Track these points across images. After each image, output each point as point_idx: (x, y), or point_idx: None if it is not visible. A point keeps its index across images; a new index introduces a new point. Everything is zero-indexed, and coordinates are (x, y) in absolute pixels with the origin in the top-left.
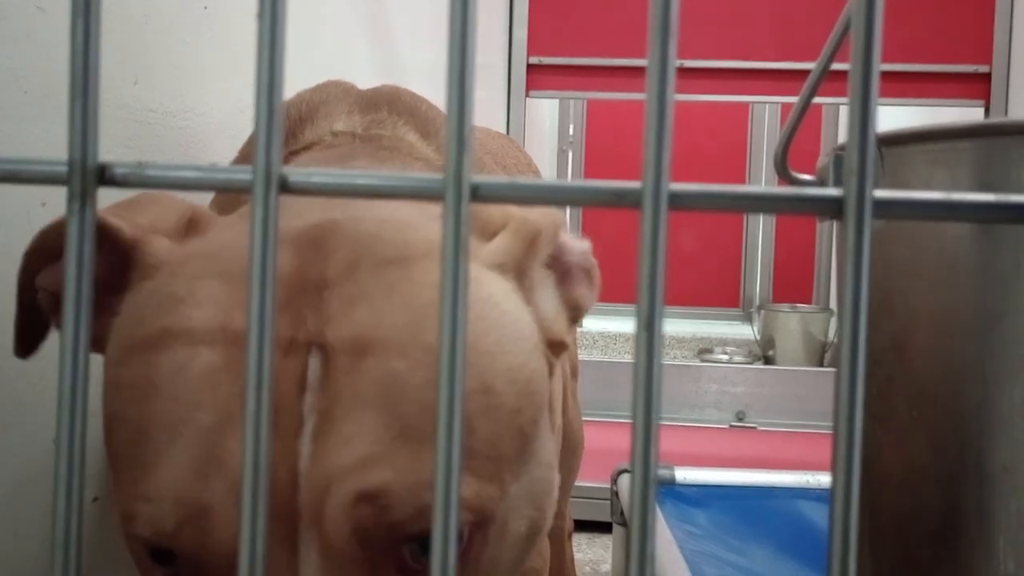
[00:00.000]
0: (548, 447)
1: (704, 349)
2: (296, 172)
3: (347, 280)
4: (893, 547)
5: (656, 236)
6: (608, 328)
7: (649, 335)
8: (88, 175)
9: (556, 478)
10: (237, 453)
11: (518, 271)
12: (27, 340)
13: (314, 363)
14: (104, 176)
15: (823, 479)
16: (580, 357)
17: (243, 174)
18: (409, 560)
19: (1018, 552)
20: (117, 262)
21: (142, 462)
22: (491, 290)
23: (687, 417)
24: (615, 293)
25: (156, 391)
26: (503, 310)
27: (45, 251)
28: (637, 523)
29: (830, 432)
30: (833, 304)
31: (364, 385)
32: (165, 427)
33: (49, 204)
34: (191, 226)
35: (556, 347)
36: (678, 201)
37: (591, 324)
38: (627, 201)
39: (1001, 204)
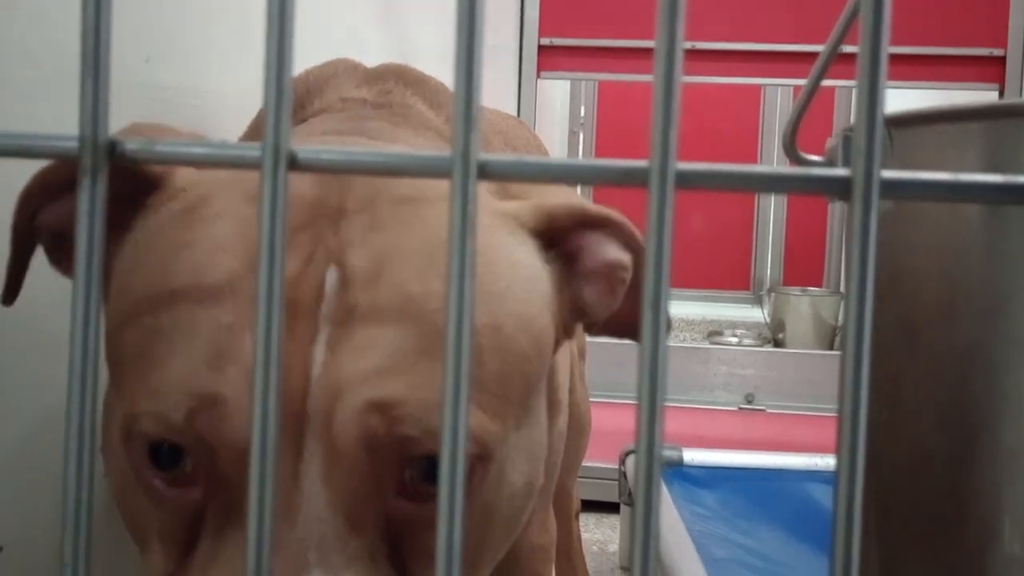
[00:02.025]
0: (544, 413)
1: (714, 332)
2: (305, 149)
3: (364, 211)
4: (900, 529)
5: (663, 215)
6: None
7: (655, 314)
8: (99, 151)
9: (546, 449)
10: (253, 348)
11: (536, 234)
12: (15, 284)
13: (331, 275)
14: (115, 152)
15: (832, 461)
16: (588, 338)
17: (252, 151)
18: (410, 484)
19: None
20: (124, 193)
21: (153, 360)
22: (505, 240)
23: (696, 399)
24: None
25: (172, 295)
26: (516, 259)
27: (46, 189)
28: (642, 497)
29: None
30: (844, 288)
31: (381, 301)
32: (180, 326)
33: None
34: None
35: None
36: (685, 180)
37: None
38: (634, 180)
39: (1009, 185)
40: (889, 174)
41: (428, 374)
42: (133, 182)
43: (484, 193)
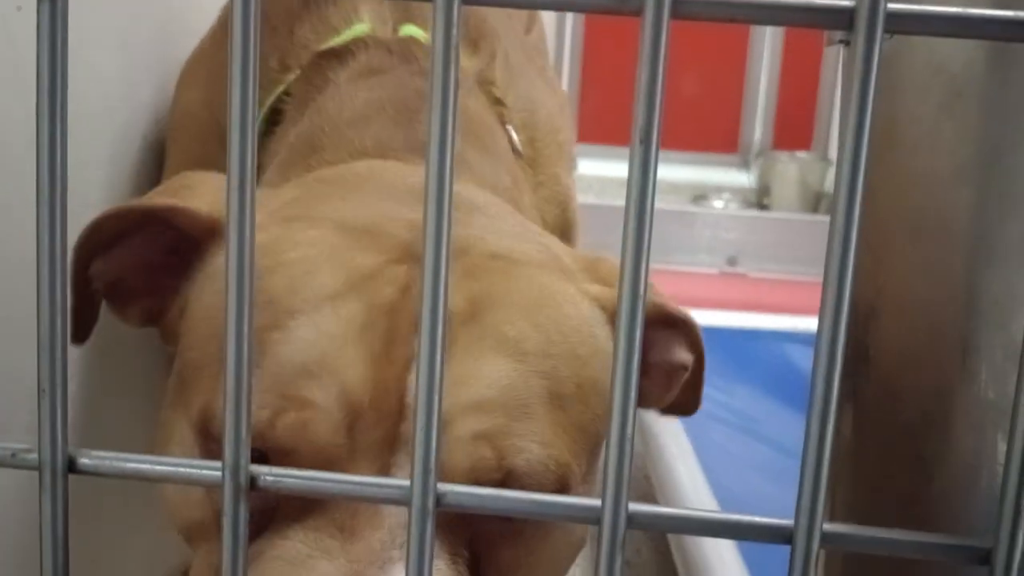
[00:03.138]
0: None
1: (699, 196)
2: None
3: (457, 259)
4: (875, 375)
5: (657, 46)
6: (603, 172)
7: (645, 149)
8: None
9: None
10: (353, 364)
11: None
12: (82, 327)
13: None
14: None
15: (810, 323)
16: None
17: None
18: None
19: (999, 381)
20: (176, 244)
21: None
22: (589, 314)
23: (678, 261)
24: (611, 135)
25: (268, 304)
26: (596, 333)
27: (96, 241)
28: (623, 352)
29: (821, 279)
30: (831, 154)
31: (479, 336)
32: (276, 331)
33: (25, 8)
34: None
35: None
36: (682, 8)
37: (585, 168)
38: (628, 7)
39: (1020, 21)
40: (895, 6)
41: (528, 410)
42: (171, 242)
43: (576, 272)
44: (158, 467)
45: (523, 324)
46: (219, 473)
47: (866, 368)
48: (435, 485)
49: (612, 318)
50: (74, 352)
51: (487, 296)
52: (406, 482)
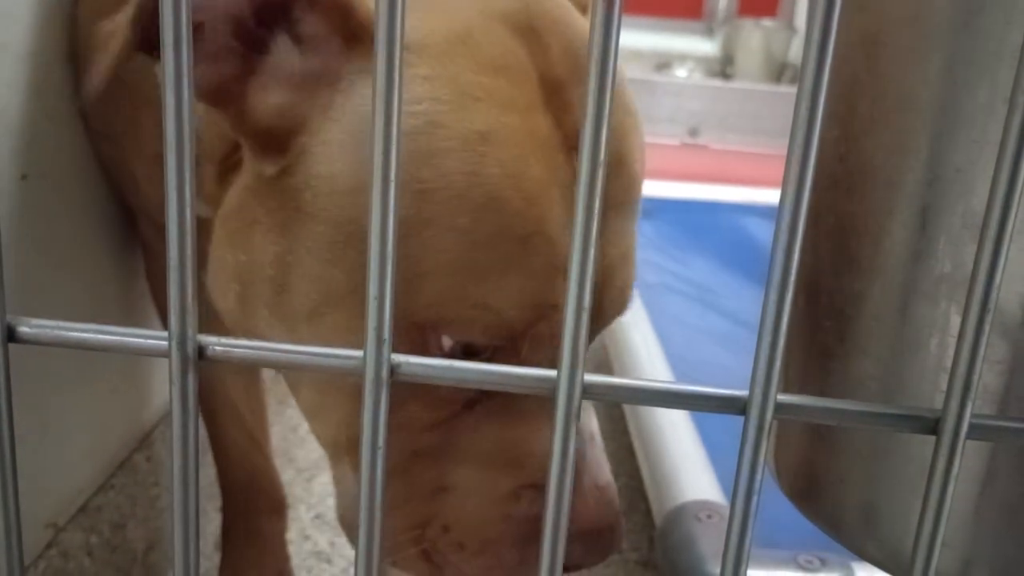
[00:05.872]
0: None
1: (662, 64)
2: None
3: (579, 82)
4: (831, 243)
5: None
6: None
7: (608, 4)
8: None
9: None
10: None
11: None
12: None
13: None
14: None
15: (770, 195)
16: None
17: None
18: None
19: (956, 253)
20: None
21: (481, 270)
22: None
23: None
24: None
25: (493, 202)
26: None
27: None
28: (581, 225)
29: (783, 151)
30: (798, 22)
31: (620, 190)
32: (510, 239)
33: None
34: None
35: None
36: None
37: None
38: None
39: None
40: None
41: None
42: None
43: None
44: (102, 336)
45: (639, 151)
46: (166, 343)
47: (823, 238)
48: (389, 356)
49: None
50: (18, 219)
51: (617, 130)
52: (359, 352)
